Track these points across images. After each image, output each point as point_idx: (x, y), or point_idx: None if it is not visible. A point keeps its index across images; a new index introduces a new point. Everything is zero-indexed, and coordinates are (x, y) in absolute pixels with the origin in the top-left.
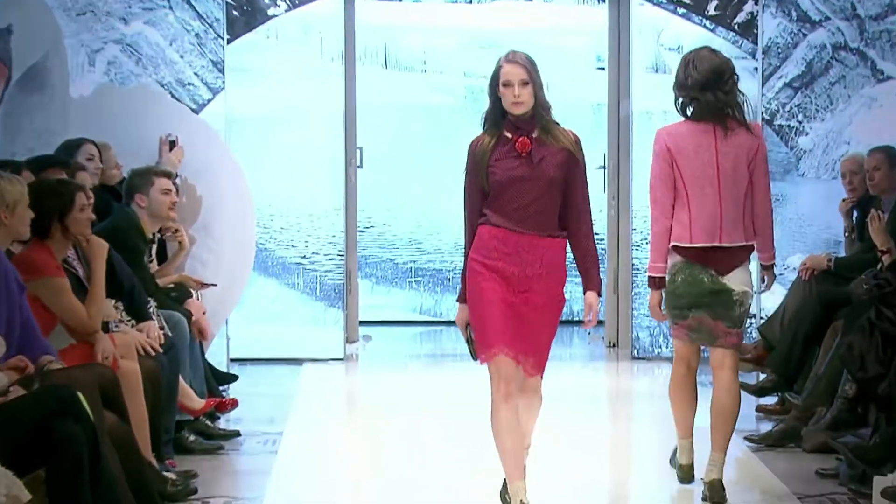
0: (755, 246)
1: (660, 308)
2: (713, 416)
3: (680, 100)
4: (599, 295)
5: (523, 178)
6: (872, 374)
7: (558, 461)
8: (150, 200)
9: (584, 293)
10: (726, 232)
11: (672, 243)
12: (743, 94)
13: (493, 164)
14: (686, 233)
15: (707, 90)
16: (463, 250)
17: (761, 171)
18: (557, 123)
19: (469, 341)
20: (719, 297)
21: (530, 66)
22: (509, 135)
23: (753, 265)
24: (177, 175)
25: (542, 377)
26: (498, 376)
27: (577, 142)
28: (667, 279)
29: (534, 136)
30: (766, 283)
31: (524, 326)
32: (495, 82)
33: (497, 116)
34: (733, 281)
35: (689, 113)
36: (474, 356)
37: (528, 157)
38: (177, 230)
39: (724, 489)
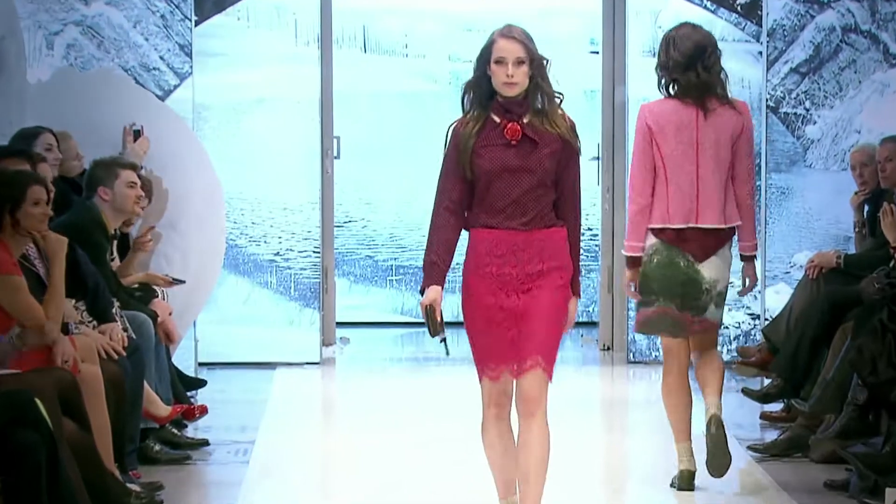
0: (736, 232)
1: (631, 287)
2: (699, 382)
3: (663, 80)
4: (579, 297)
5: (514, 168)
6: (884, 378)
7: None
8: (115, 194)
9: None
10: (703, 213)
11: (650, 225)
12: (725, 72)
13: (479, 151)
14: (664, 213)
15: (689, 70)
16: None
17: (744, 152)
18: (558, 104)
19: (430, 321)
20: (688, 288)
21: (528, 43)
22: (497, 119)
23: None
24: (142, 167)
25: (549, 381)
26: (489, 396)
27: (573, 127)
28: (643, 259)
29: (524, 121)
30: (748, 282)
31: (526, 328)
32: (486, 58)
33: (483, 97)
34: (708, 268)
35: (671, 92)
36: (434, 334)
37: (518, 144)
38: (149, 240)
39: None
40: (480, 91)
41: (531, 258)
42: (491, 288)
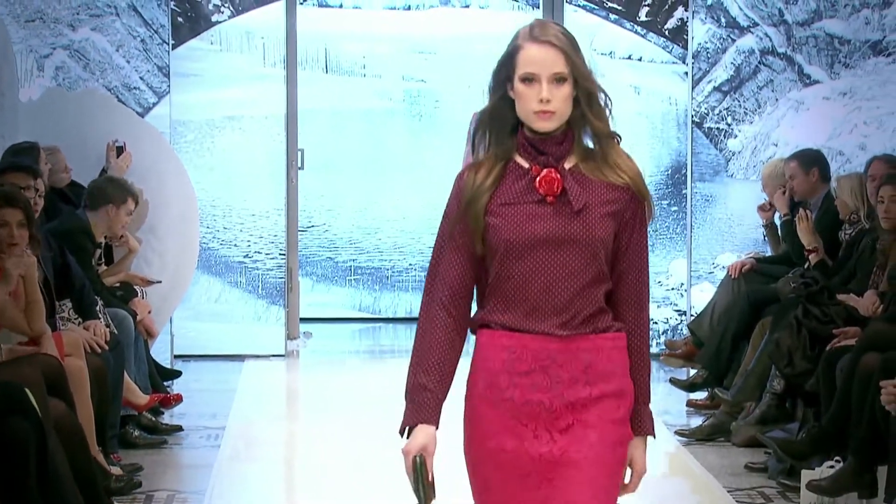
0: None
1: None
2: None
3: None
4: (651, 436)
5: (550, 238)
6: (800, 370)
7: None
8: (117, 215)
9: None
10: None
11: None
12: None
13: (497, 211)
14: None
15: None
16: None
17: None
18: (617, 142)
19: (419, 481)
20: None
21: (572, 51)
22: (525, 164)
23: None
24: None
25: None
26: None
27: (640, 175)
28: None
29: (567, 166)
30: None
31: (565, 487)
32: (507, 73)
33: (505, 131)
34: None
35: None
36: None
37: (556, 202)
38: (122, 236)
39: None
40: (499, 124)
41: (574, 379)
42: (510, 423)
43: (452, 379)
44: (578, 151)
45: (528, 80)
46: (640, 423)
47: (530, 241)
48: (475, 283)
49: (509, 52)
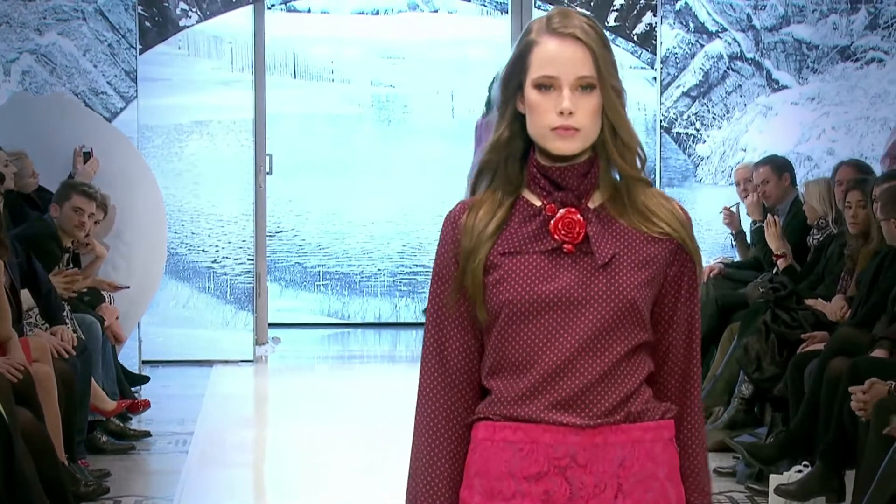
0: None
1: None
2: None
3: None
4: None
5: (569, 299)
6: (768, 375)
7: None
8: (61, 213)
9: None
10: None
11: None
12: None
13: (498, 263)
14: None
15: None
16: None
17: None
18: (649, 183)
19: None
20: None
21: (601, 48)
22: (536, 201)
23: None
24: (102, 197)
25: None
26: None
27: (687, 223)
28: None
29: (591, 206)
30: None
31: None
32: (518, 77)
33: (513, 158)
34: None
35: None
36: None
37: (577, 252)
38: (88, 244)
39: None
40: (509, 149)
41: (601, 485)
42: None
43: (458, 491)
44: (606, 186)
45: (545, 86)
46: None
47: (541, 303)
48: (478, 359)
49: (519, 50)
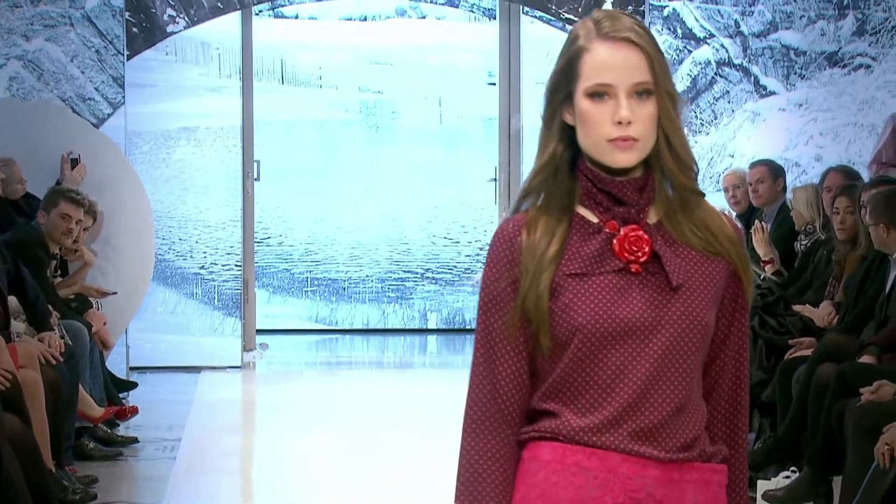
0: None
1: None
2: None
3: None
4: None
5: (644, 325)
6: (756, 380)
7: None
8: (49, 220)
9: None
10: None
11: None
12: None
13: (565, 285)
14: None
15: None
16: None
17: None
18: (703, 195)
19: None
20: None
21: (655, 52)
22: (593, 217)
23: None
24: (80, 193)
25: None
26: None
27: (741, 243)
28: None
29: (650, 221)
30: None
31: None
32: (567, 87)
33: (562, 172)
34: None
35: None
36: None
37: (645, 272)
38: (76, 250)
39: None
40: (560, 163)
41: None
42: None
43: None
44: (661, 200)
45: (598, 94)
46: None
47: (616, 328)
48: (530, 383)
49: (567, 58)
